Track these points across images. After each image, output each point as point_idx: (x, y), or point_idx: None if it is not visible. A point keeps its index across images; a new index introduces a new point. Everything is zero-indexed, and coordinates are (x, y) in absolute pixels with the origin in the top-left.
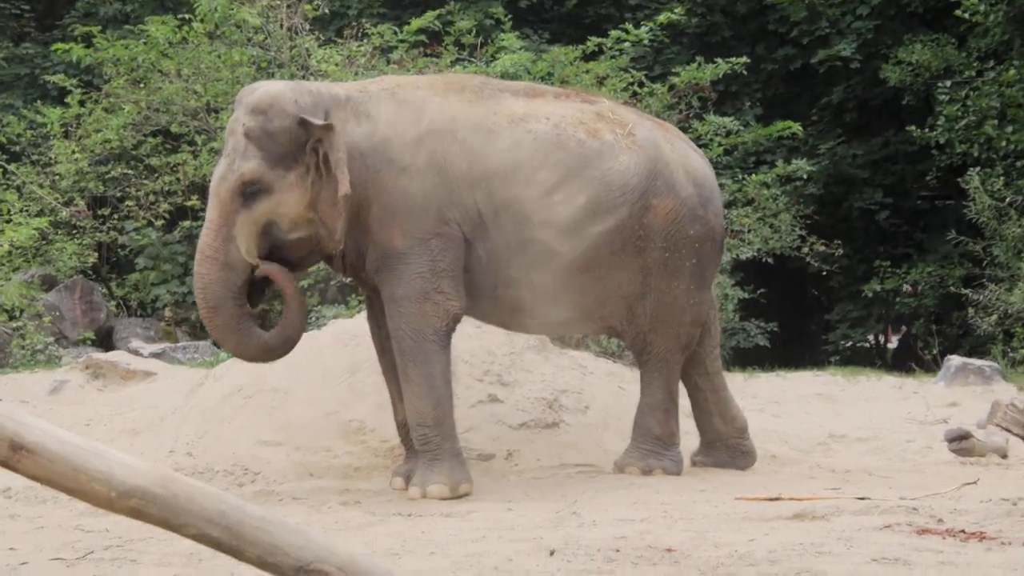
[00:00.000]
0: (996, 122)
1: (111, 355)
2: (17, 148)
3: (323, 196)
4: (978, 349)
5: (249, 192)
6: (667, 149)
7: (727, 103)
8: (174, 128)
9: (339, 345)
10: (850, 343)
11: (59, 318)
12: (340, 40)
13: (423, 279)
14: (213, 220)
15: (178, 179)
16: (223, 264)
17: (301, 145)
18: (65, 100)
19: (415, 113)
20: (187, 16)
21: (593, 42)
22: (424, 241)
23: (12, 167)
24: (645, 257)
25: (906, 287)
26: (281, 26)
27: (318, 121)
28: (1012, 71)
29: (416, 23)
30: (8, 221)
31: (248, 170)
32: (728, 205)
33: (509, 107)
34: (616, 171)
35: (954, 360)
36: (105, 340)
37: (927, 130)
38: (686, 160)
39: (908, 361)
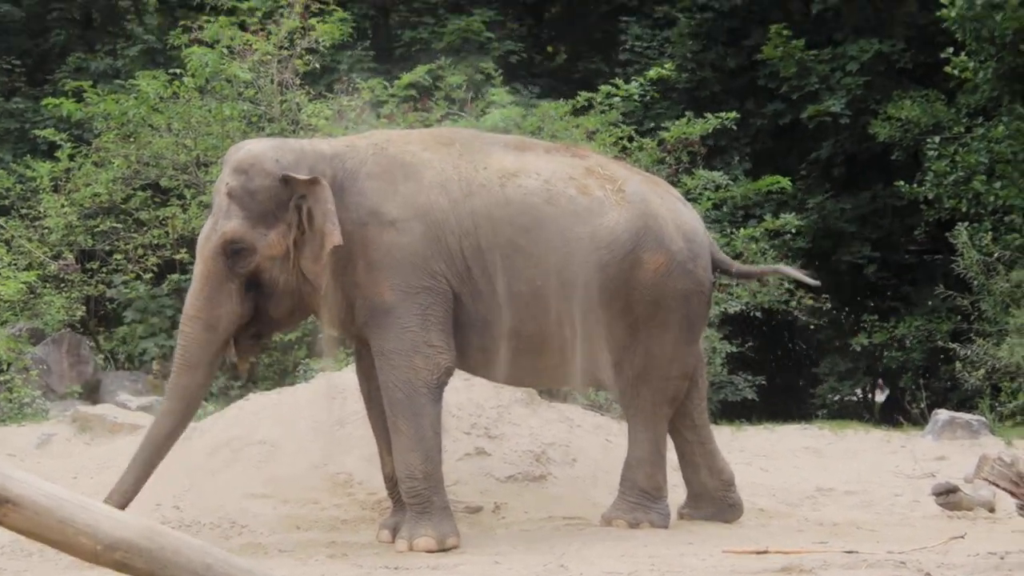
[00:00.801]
0: (984, 178)
1: (98, 408)
2: (6, 202)
3: (306, 252)
4: (966, 403)
5: (232, 251)
6: (657, 204)
7: (716, 158)
8: (164, 182)
9: (327, 398)
10: (838, 396)
11: (46, 371)
12: (330, 95)
13: (413, 333)
14: (198, 279)
15: (167, 233)
16: (206, 324)
17: (283, 203)
18: (55, 154)
19: (403, 168)
20: (178, 71)
21: (583, 97)
22: (413, 294)
23: (1, 221)
24: (634, 311)
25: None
26: (272, 81)
27: (302, 177)
28: (1001, 127)
29: (406, 78)
30: None
31: (229, 229)
32: None
33: (499, 162)
34: (606, 227)
35: (942, 414)
36: (92, 393)
37: (916, 185)
38: (676, 215)
39: (896, 415)
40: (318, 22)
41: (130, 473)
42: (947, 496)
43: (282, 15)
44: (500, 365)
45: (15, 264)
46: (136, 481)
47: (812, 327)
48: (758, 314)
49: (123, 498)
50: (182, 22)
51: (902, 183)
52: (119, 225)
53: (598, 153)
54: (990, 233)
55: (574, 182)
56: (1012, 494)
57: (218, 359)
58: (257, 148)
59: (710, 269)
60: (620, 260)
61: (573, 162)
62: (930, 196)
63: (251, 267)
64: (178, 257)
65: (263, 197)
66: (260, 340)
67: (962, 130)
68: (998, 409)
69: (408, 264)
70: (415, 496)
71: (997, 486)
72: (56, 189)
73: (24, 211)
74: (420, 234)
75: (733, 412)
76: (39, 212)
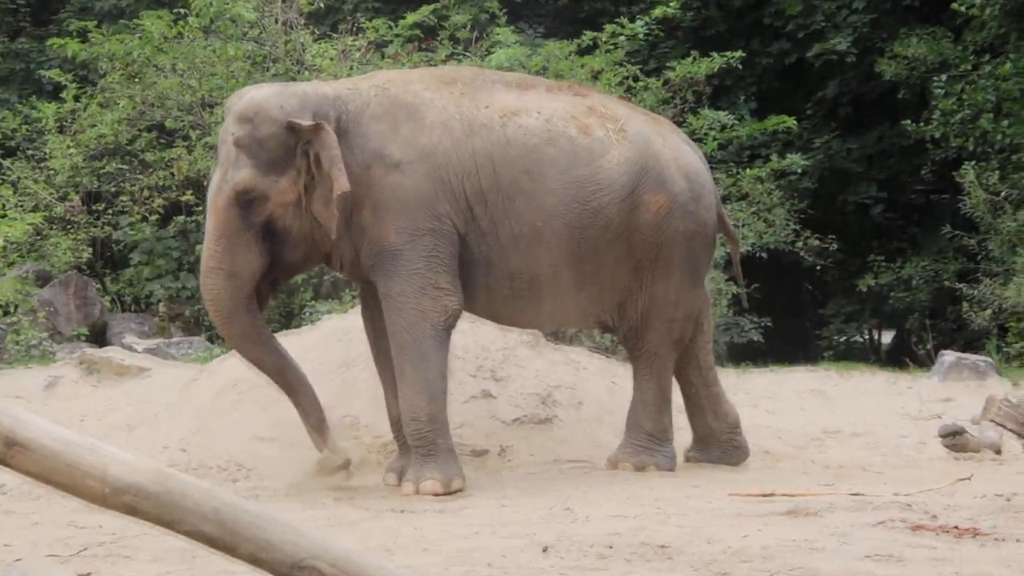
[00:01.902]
0: (992, 116)
1: (105, 351)
2: (12, 143)
3: (316, 196)
4: (972, 344)
5: (245, 201)
6: (659, 144)
7: (722, 97)
8: (169, 123)
9: (333, 341)
10: (844, 338)
11: (53, 314)
12: (335, 35)
13: (419, 275)
14: (212, 231)
15: (172, 174)
16: (228, 274)
17: (291, 149)
18: (60, 95)
19: (405, 109)
20: (182, 11)
21: (588, 36)
22: (418, 236)
23: (7, 162)
24: (637, 253)
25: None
26: (276, 21)
27: (306, 123)
28: (1008, 65)
29: (411, 18)
30: (2, 216)
31: (241, 180)
32: (722, 200)
33: (501, 101)
34: (606, 168)
35: (948, 355)
36: (99, 336)
37: (922, 124)
38: (678, 155)
39: (902, 356)
40: None
41: (303, 414)
42: (953, 438)
43: None
44: (504, 307)
45: (21, 206)
46: (313, 410)
47: (818, 268)
48: (764, 255)
49: (319, 428)
50: None
51: (909, 122)
52: (124, 167)
53: (601, 92)
54: (997, 172)
55: (575, 121)
56: (1018, 435)
57: (252, 304)
58: (260, 95)
59: (714, 210)
60: (620, 201)
61: (575, 101)
62: (937, 135)
63: (265, 215)
64: (184, 199)
65: (271, 145)
66: (276, 287)
67: (969, 68)
68: (1005, 350)
69: (413, 205)
70: (421, 439)
71: (1004, 427)
72: (61, 130)
73: (30, 152)
74: (424, 175)
75: (739, 354)
76: (45, 153)
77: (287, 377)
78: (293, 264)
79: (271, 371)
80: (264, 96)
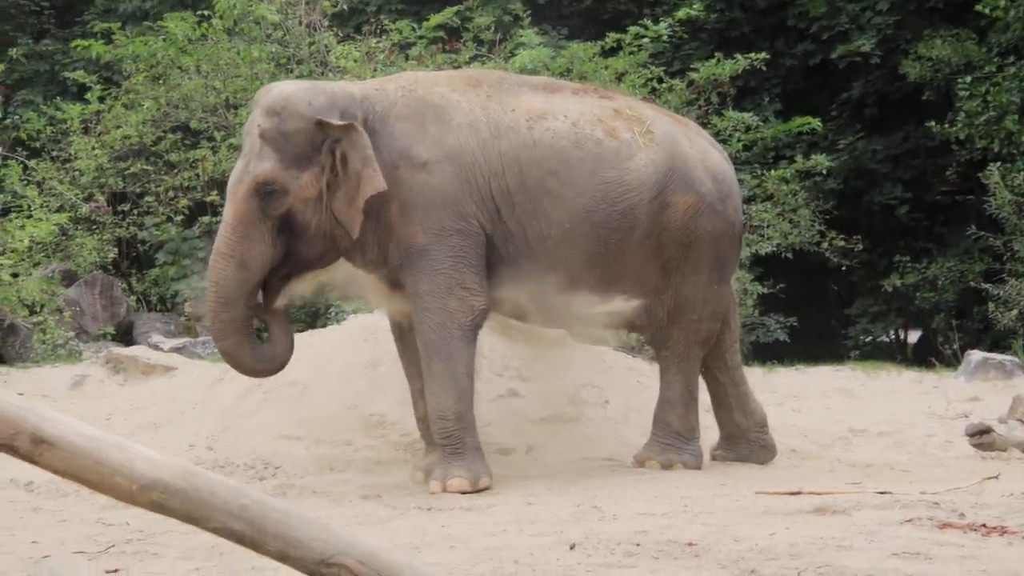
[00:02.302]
0: (1016, 117)
1: (131, 350)
2: (37, 144)
3: (339, 195)
4: (999, 344)
5: (264, 192)
6: (685, 145)
7: (746, 99)
8: (193, 124)
9: (359, 340)
10: (870, 338)
11: (79, 313)
12: (359, 36)
13: (446, 275)
14: (229, 220)
15: (197, 175)
16: (239, 263)
17: (316, 146)
18: (85, 96)
19: (432, 109)
20: (206, 12)
21: (612, 38)
22: (445, 236)
23: (32, 163)
24: (664, 253)
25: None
26: (300, 22)
27: (337, 121)
28: None
29: (435, 19)
30: (29, 217)
31: (263, 171)
32: (747, 200)
33: (528, 103)
34: (634, 170)
35: (975, 355)
36: (125, 335)
37: (947, 125)
38: (705, 155)
39: (928, 356)
40: None
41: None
42: (980, 436)
43: None
44: (530, 307)
45: (47, 206)
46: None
47: (844, 268)
48: (790, 255)
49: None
50: None
51: (933, 123)
52: (150, 167)
53: (626, 94)
54: (1022, 173)
55: (602, 124)
56: None
57: (254, 298)
58: (289, 90)
59: (740, 210)
60: (649, 202)
61: (601, 103)
62: (962, 136)
63: (283, 209)
64: (209, 199)
65: (297, 139)
66: (288, 282)
67: (994, 69)
68: None
69: (440, 205)
70: (448, 437)
71: None
72: (86, 131)
73: (55, 153)
74: (451, 175)
75: (765, 353)
76: (70, 154)
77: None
78: (308, 260)
79: (245, 363)
80: (293, 91)
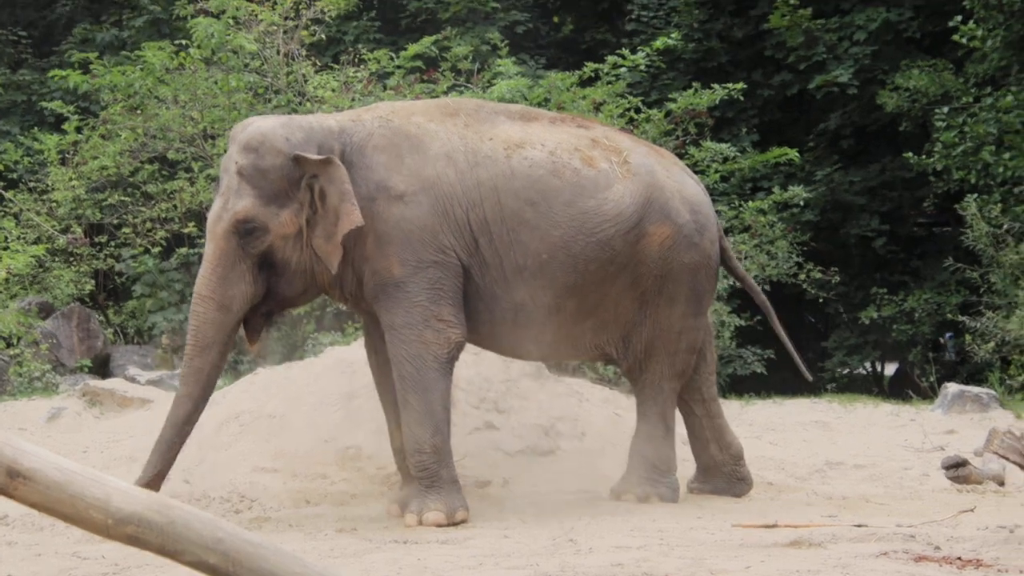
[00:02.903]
0: (993, 148)
1: (108, 383)
2: (14, 175)
3: (318, 231)
4: (975, 376)
5: (244, 231)
6: (663, 176)
7: (724, 129)
8: (171, 155)
9: (336, 372)
10: (847, 370)
11: (56, 346)
12: (336, 66)
13: (422, 307)
14: (209, 260)
15: (175, 206)
16: (219, 305)
17: (295, 182)
18: (62, 127)
19: (409, 140)
20: (183, 42)
21: (590, 68)
22: (422, 269)
23: (9, 194)
24: (641, 284)
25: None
26: (278, 52)
27: (314, 156)
28: (1010, 97)
29: (413, 49)
30: (5, 248)
31: (242, 209)
32: (725, 232)
33: (504, 132)
34: (611, 200)
35: (951, 388)
36: (102, 368)
37: (924, 157)
38: (682, 187)
39: (905, 388)
40: None
41: (154, 457)
42: (957, 469)
43: None
44: (508, 339)
45: (24, 238)
46: (161, 465)
47: (821, 300)
48: (767, 287)
49: (152, 484)
50: None
51: (910, 155)
52: (127, 198)
53: (604, 124)
54: (999, 205)
55: (579, 153)
56: (1022, 467)
57: (232, 339)
58: (266, 126)
59: (717, 242)
60: (625, 233)
61: (579, 133)
62: (939, 167)
63: (264, 246)
64: (186, 231)
65: (275, 176)
66: (271, 318)
67: (971, 100)
68: (1008, 383)
69: (417, 238)
70: (424, 470)
71: (1007, 459)
72: (64, 162)
73: (32, 184)
74: (428, 207)
75: (742, 386)
76: (47, 185)
77: (174, 435)
78: (289, 297)
79: (178, 418)
80: (270, 127)
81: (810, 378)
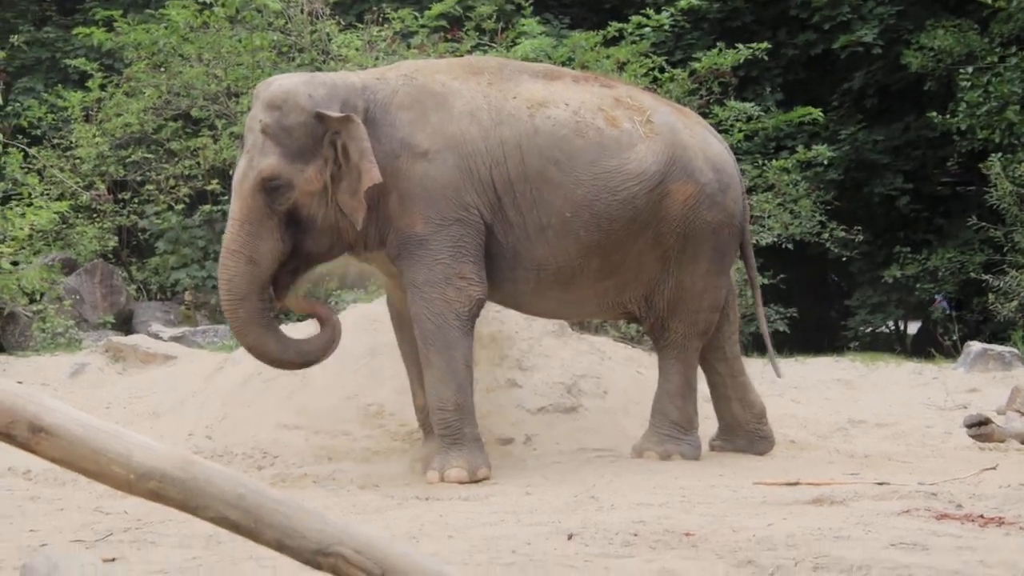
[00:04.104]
0: (1018, 108)
1: (131, 339)
2: (38, 132)
3: (343, 187)
4: (998, 335)
5: (270, 188)
6: (686, 135)
7: (748, 89)
8: (194, 112)
9: (359, 329)
10: (870, 329)
11: (79, 302)
12: (360, 25)
13: (445, 264)
14: (236, 217)
15: (198, 163)
16: (248, 259)
17: (319, 138)
18: (86, 84)
19: (433, 98)
20: (208, 0)
21: (614, 27)
22: (445, 226)
23: (33, 151)
24: (664, 243)
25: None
26: (302, 11)
27: (335, 114)
28: None
29: (437, 8)
30: (29, 204)
31: (267, 166)
32: (748, 191)
33: (528, 91)
34: (634, 159)
35: (974, 346)
36: (125, 324)
37: (948, 116)
38: (705, 146)
39: (928, 347)
40: None
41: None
42: (979, 428)
43: None
44: (530, 297)
45: (47, 194)
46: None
47: (844, 259)
48: (790, 246)
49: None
50: None
51: (935, 114)
52: (150, 155)
53: (627, 83)
54: (1023, 164)
55: (602, 113)
56: None
57: (265, 295)
58: (289, 83)
59: (740, 200)
60: (648, 192)
61: (602, 92)
62: (963, 127)
63: (289, 203)
64: (209, 188)
65: (299, 133)
66: (297, 276)
67: (995, 60)
68: None
69: (440, 195)
70: (446, 427)
71: None
72: (87, 119)
73: (56, 141)
74: (452, 165)
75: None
76: (71, 142)
77: (298, 345)
78: (316, 254)
79: (272, 354)
80: (293, 84)
81: (781, 376)
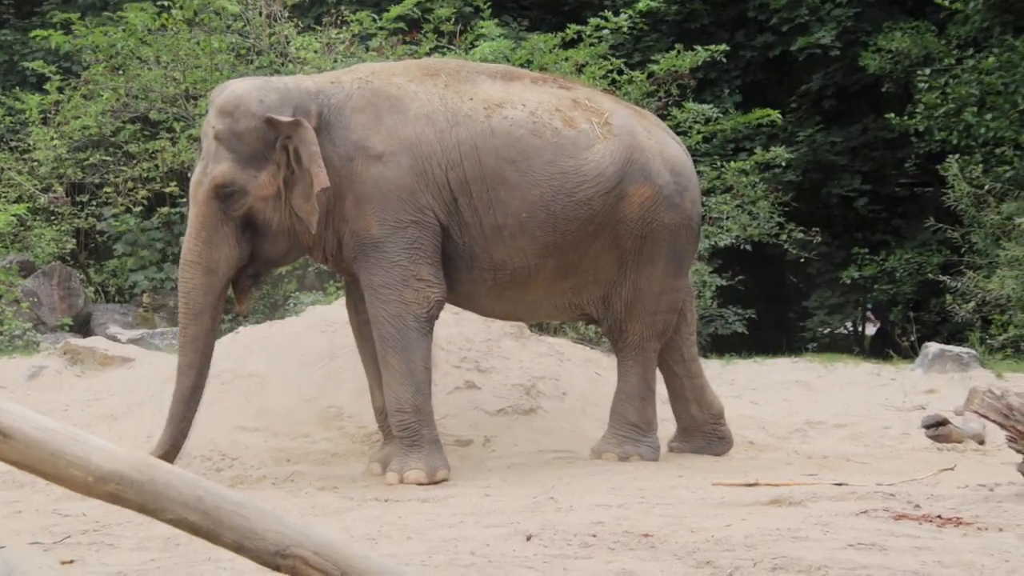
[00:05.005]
0: (975, 109)
1: (89, 341)
2: None
3: (296, 191)
4: (956, 336)
5: (224, 194)
6: (644, 137)
7: (706, 90)
8: (153, 115)
9: (317, 331)
10: (828, 330)
11: (37, 304)
12: (319, 27)
13: (401, 267)
14: (193, 225)
15: (156, 166)
16: (205, 269)
17: (270, 143)
18: (44, 87)
19: (388, 100)
20: (166, 3)
21: (572, 29)
22: (401, 228)
23: None
24: (621, 245)
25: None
26: (260, 13)
27: (285, 118)
28: (991, 58)
29: (395, 10)
30: None
31: (220, 173)
32: (707, 192)
33: (486, 92)
34: (591, 160)
35: (932, 347)
36: (83, 326)
37: (906, 117)
38: (663, 148)
39: (886, 348)
40: None
41: (168, 430)
42: (937, 428)
43: None
44: (487, 298)
45: (5, 196)
46: (176, 438)
47: (802, 260)
48: (748, 247)
49: (168, 456)
50: None
51: (892, 115)
52: (109, 158)
53: (586, 85)
54: (981, 165)
55: (560, 114)
56: (1001, 426)
57: (222, 302)
58: (241, 89)
59: (698, 202)
60: (606, 194)
61: (560, 93)
62: (921, 128)
63: (244, 209)
64: (168, 190)
65: (250, 139)
66: (258, 280)
67: (953, 62)
68: (988, 342)
69: (395, 198)
70: (405, 429)
71: (987, 418)
72: (45, 122)
73: (13, 144)
74: (407, 167)
75: (723, 346)
76: (28, 145)
77: (184, 408)
78: (274, 258)
79: (185, 389)
80: (245, 90)
81: None
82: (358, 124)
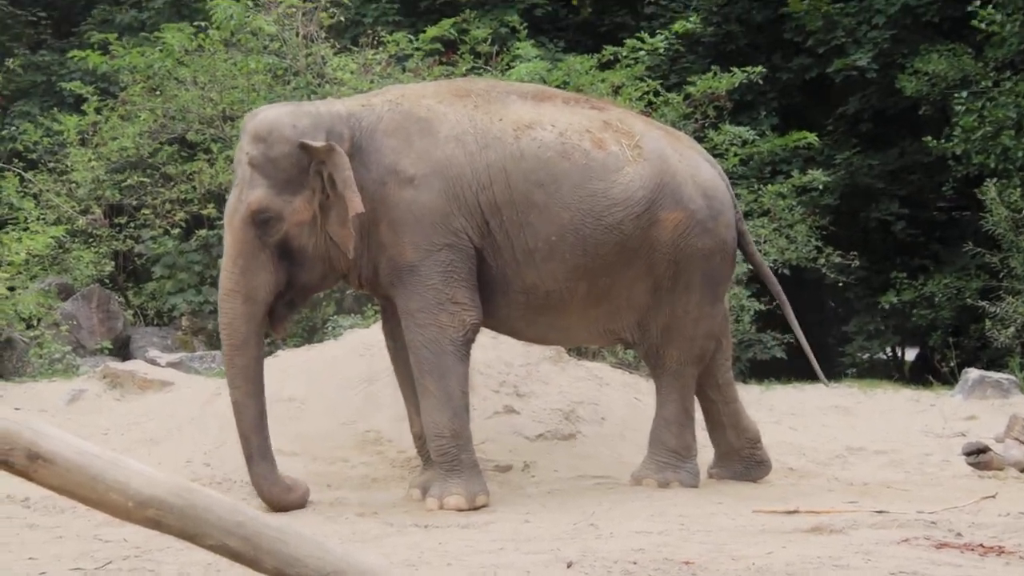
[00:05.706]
0: (1013, 132)
1: (128, 364)
2: (34, 156)
3: (332, 217)
4: (996, 362)
5: (260, 221)
6: (675, 160)
7: (743, 113)
8: (190, 136)
9: (355, 355)
10: (867, 355)
11: (76, 327)
12: (356, 48)
13: (436, 290)
14: (230, 253)
15: (194, 187)
16: (245, 297)
17: (304, 169)
18: (82, 108)
19: (418, 123)
20: (203, 23)
21: (609, 51)
22: (434, 251)
23: (29, 175)
24: (654, 271)
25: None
26: (297, 34)
27: (319, 144)
28: None
29: (431, 31)
30: (25, 229)
31: (255, 199)
32: (744, 216)
33: (515, 113)
34: (620, 183)
35: (972, 373)
36: (122, 349)
37: (943, 141)
38: (695, 171)
39: (925, 374)
40: None
41: (261, 468)
42: (977, 456)
43: None
44: (521, 323)
45: (43, 218)
46: (267, 466)
47: (841, 285)
48: (787, 271)
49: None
50: None
51: (930, 138)
52: (146, 179)
53: (619, 106)
54: (1019, 189)
55: (589, 135)
56: None
57: (263, 329)
58: (273, 114)
59: (733, 227)
60: (636, 218)
61: (591, 115)
62: (958, 152)
63: (280, 235)
64: (206, 212)
65: (284, 164)
66: (294, 307)
67: (990, 84)
68: None
69: (428, 221)
70: (444, 455)
71: None
72: (83, 143)
73: (52, 165)
74: (439, 190)
75: (762, 371)
76: (66, 166)
77: (260, 432)
78: (310, 284)
79: (251, 421)
80: (277, 115)
81: (828, 384)
82: (389, 147)
